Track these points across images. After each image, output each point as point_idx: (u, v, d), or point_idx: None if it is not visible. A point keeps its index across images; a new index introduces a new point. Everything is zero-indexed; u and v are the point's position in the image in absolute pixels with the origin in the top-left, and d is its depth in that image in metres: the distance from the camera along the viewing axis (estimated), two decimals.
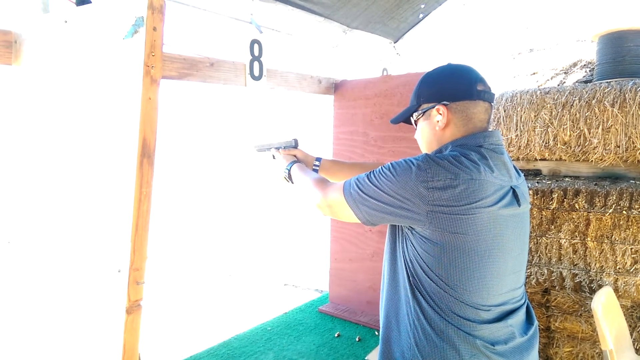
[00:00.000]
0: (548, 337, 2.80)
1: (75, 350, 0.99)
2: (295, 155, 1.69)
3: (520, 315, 1.22)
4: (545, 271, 2.73)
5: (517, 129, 2.98)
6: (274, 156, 1.72)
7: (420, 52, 3.38)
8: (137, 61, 0.92)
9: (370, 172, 1.20)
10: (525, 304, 1.26)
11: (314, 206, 1.34)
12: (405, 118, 1.33)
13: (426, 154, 1.15)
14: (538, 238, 2.76)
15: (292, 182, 1.57)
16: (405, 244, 1.19)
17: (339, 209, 1.25)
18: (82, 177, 1.03)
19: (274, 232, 8.46)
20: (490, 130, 1.23)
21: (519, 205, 1.18)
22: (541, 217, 2.74)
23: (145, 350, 1.09)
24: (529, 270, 2.79)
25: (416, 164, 1.11)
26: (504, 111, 3.04)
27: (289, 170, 1.58)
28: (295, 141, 1.72)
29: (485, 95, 1.22)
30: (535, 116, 2.90)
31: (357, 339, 1.96)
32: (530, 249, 2.80)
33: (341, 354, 1.85)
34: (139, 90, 0.90)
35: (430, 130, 1.25)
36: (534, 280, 2.76)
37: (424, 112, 1.25)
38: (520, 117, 2.97)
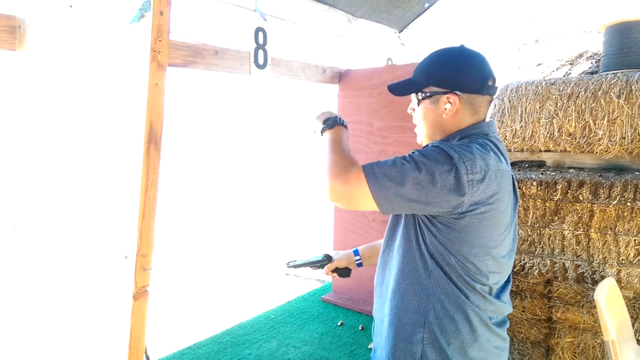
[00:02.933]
0: (550, 327, 2.81)
1: (82, 335, 1.00)
2: (336, 267, 1.64)
3: (507, 292, 1.29)
4: (548, 262, 2.73)
5: (521, 120, 2.96)
6: (313, 269, 1.70)
7: (425, 41, 3.35)
8: (143, 46, 0.91)
9: (400, 158, 1.12)
10: (510, 284, 1.33)
11: (325, 188, 1.17)
12: (407, 92, 1.30)
13: (450, 144, 1.14)
14: (541, 229, 2.76)
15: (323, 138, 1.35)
16: (420, 233, 1.19)
17: (358, 198, 1.12)
18: (88, 163, 1.02)
19: (276, 220, 8.49)
20: (485, 120, 1.26)
21: (515, 191, 1.24)
22: (545, 209, 2.73)
23: (148, 337, 1.09)
24: (531, 262, 2.79)
25: (453, 154, 1.09)
26: (509, 102, 3.02)
27: (326, 129, 1.34)
28: (328, 256, 1.69)
29: (492, 91, 1.25)
30: (540, 107, 2.88)
31: (360, 328, 1.97)
32: (533, 240, 2.80)
33: (344, 342, 1.86)
34: (145, 75, 0.89)
35: (435, 116, 1.24)
36: (536, 271, 2.76)
37: (432, 95, 1.24)
38: (525, 108, 2.95)
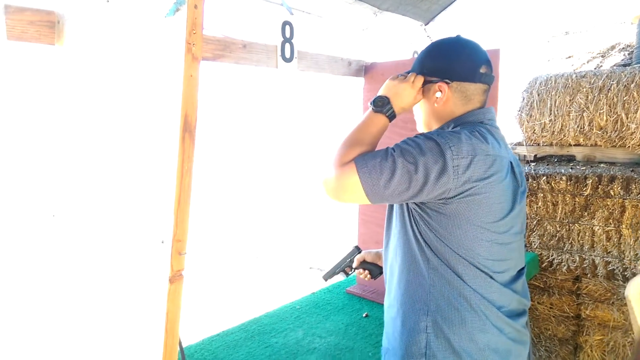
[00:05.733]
0: (578, 325, 2.76)
1: (120, 318, 1.04)
2: (364, 259, 1.65)
3: (520, 284, 1.27)
4: (577, 258, 2.68)
5: (550, 114, 2.91)
6: (346, 274, 1.71)
7: (452, 34, 3.32)
8: (178, 39, 0.94)
9: (390, 149, 1.12)
10: (524, 275, 1.31)
11: (320, 181, 1.17)
12: None
13: (440, 131, 1.16)
14: (570, 225, 2.71)
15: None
16: (414, 221, 1.20)
17: (348, 189, 1.12)
18: (126, 153, 1.06)
19: (300, 215, 8.54)
20: (481, 107, 1.26)
21: (516, 179, 1.23)
22: (574, 204, 2.68)
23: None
24: (560, 257, 2.75)
25: (439, 140, 1.10)
26: (538, 95, 2.97)
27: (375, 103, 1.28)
28: (357, 248, 1.71)
29: (486, 79, 1.25)
30: (570, 100, 2.82)
31: None
32: (561, 235, 2.75)
33: (369, 333, 1.88)
34: (180, 67, 0.92)
35: (428, 105, 1.27)
36: (564, 268, 2.72)
37: (425, 84, 1.26)
38: (555, 102, 2.90)
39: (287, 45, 1.98)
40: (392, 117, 1.29)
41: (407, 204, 1.20)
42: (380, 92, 1.31)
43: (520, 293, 1.26)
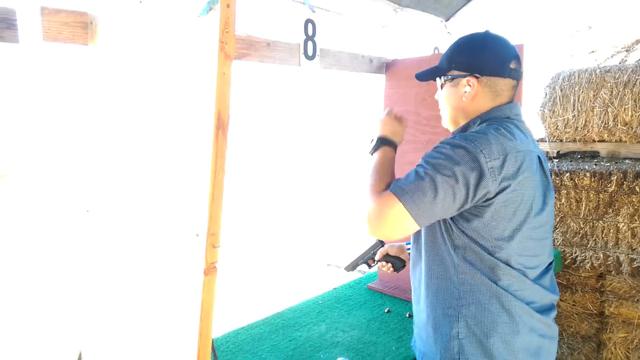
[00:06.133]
0: (602, 322, 2.73)
1: (157, 308, 1.07)
2: (388, 252, 1.67)
3: (548, 278, 1.27)
4: (601, 255, 2.65)
5: (574, 109, 2.88)
6: (368, 265, 1.75)
7: (472, 30, 3.29)
8: (212, 38, 0.96)
9: (420, 169, 1.13)
10: (552, 270, 1.31)
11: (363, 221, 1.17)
12: (432, 78, 1.33)
13: (465, 134, 1.16)
14: (594, 221, 2.68)
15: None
16: (445, 227, 1.21)
17: (393, 220, 1.12)
18: (161, 150, 1.09)
19: (321, 211, 8.57)
20: (508, 102, 1.26)
21: (545, 173, 1.24)
22: (598, 200, 2.65)
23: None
24: (583, 254, 2.72)
25: (468, 146, 1.10)
26: (561, 91, 2.94)
27: (375, 149, 1.36)
28: (380, 240, 1.73)
29: (516, 74, 1.25)
30: (594, 96, 2.79)
31: (407, 315, 1.99)
32: (585, 232, 2.72)
33: (392, 328, 1.89)
34: (214, 66, 0.95)
35: (456, 99, 1.26)
36: (588, 265, 2.69)
37: (453, 78, 1.26)
38: (578, 97, 2.87)
39: (310, 43, 2.00)
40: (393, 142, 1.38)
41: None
42: (377, 134, 1.39)
43: (549, 288, 1.26)
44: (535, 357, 1.21)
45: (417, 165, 1.16)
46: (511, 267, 1.16)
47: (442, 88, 1.31)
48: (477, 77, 1.23)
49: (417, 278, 1.34)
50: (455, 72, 1.26)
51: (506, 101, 1.26)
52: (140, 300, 1.11)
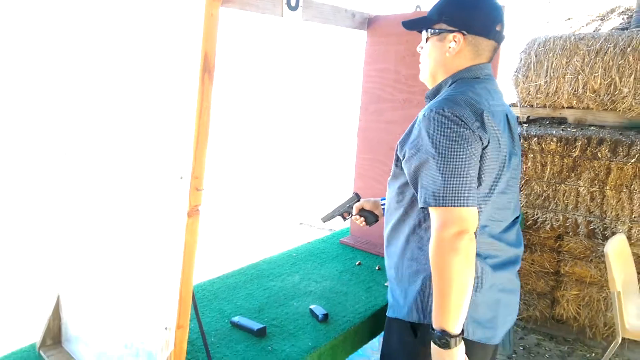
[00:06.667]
0: (557, 280, 2.91)
1: (141, 249, 1.09)
2: (363, 207, 1.68)
3: (514, 233, 1.33)
4: (561, 217, 2.80)
5: (546, 75, 2.95)
6: (343, 218, 1.79)
7: None
8: None
9: (432, 167, 1.14)
10: (517, 224, 1.37)
11: (451, 255, 1.09)
12: (419, 28, 1.33)
13: (438, 104, 1.17)
14: (557, 185, 2.81)
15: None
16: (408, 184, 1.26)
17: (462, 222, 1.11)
18: (145, 90, 1.08)
19: (298, 168, 8.60)
20: (484, 63, 1.28)
21: (510, 127, 1.29)
22: (562, 165, 2.77)
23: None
24: (544, 216, 2.86)
25: (447, 116, 1.14)
26: (535, 56, 3.00)
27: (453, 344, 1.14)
28: (357, 194, 1.75)
29: (498, 37, 1.28)
30: (566, 63, 2.86)
31: (377, 268, 2.07)
32: (547, 195, 2.85)
33: (362, 279, 1.97)
34: (202, 5, 0.93)
35: (440, 54, 1.28)
36: (548, 226, 2.84)
37: (440, 32, 1.27)
38: (551, 64, 2.93)
39: None
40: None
41: (413, 174, 1.21)
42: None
43: (514, 242, 1.32)
44: (492, 310, 1.27)
45: (420, 163, 1.17)
46: (479, 225, 1.20)
47: (426, 41, 1.32)
48: (464, 34, 1.24)
49: (388, 233, 1.39)
50: (444, 26, 1.26)
51: (484, 62, 1.28)
52: (122, 243, 1.12)
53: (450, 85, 1.28)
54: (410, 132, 1.25)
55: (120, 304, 1.15)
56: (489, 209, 1.23)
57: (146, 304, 1.05)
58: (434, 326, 1.14)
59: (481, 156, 1.16)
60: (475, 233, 1.15)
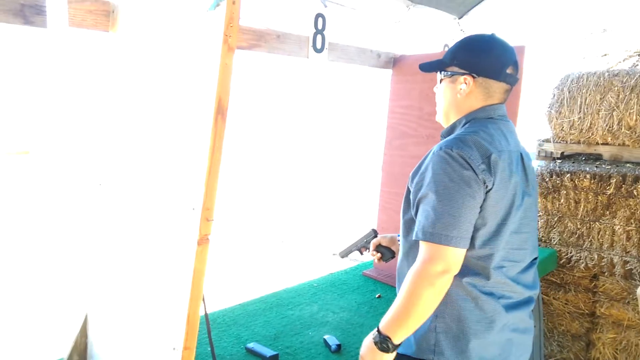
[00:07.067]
0: (592, 322, 2.79)
1: (154, 272, 1.19)
2: (380, 244, 1.70)
3: (530, 274, 1.34)
4: (596, 256, 2.71)
5: (580, 111, 2.91)
6: (360, 252, 1.82)
7: (486, 28, 3.33)
8: (217, 31, 1.06)
9: (428, 206, 1.18)
10: (535, 266, 1.37)
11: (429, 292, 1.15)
12: (434, 70, 1.40)
13: (448, 143, 1.22)
14: (591, 223, 2.73)
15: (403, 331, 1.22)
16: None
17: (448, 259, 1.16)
18: (165, 130, 1.20)
19: (326, 200, 8.69)
20: (498, 104, 1.33)
21: (524, 167, 1.31)
22: (596, 202, 2.70)
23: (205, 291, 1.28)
24: (578, 255, 2.77)
25: (453, 156, 1.18)
26: (568, 92, 2.97)
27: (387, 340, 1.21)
28: (374, 230, 1.79)
29: (510, 79, 1.32)
30: (600, 99, 2.82)
31: (377, 296, 2.09)
32: (581, 233, 2.77)
33: (380, 312, 1.98)
34: (217, 56, 1.05)
35: (451, 95, 1.34)
36: (582, 265, 2.75)
37: (452, 75, 1.33)
38: (585, 100, 2.89)
39: (319, 37, 2.08)
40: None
41: (415, 206, 1.26)
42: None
43: (530, 284, 1.32)
44: (504, 349, 1.26)
45: (421, 198, 1.22)
46: (491, 265, 1.22)
47: (440, 82, 1.39)
48: (473, 77, 1.30)
49: (398, 266, 1.43)
50: (455, 69, 1.33)
51: (496, 102, 1.33)
52: (139, 267, 1.23)
53: (464, 125, 1.33)
54: (421, 165, 1.30)
55: (134, 324, 1.25)
56: (503, 249, 1.24)
57: (157, 326, 1.15)
58: (381, 329, 1.22)
59: (485, 198, 1.19)
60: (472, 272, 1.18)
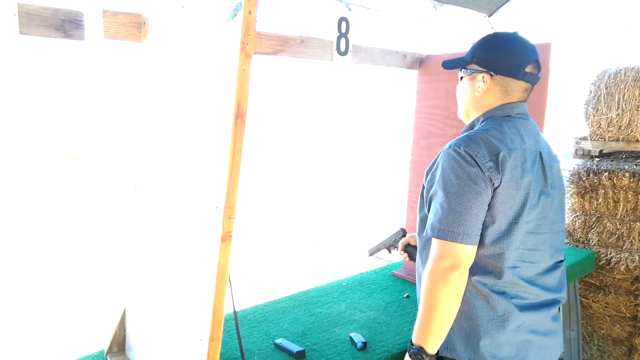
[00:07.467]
0: (634, 326, 2.68)
1: (182, 267, 1.26)
2: (409, 242, 1.72)
3: (553, 277, 1.32)
4: (637, 257, 2.60)
5: (618, 108, 2.82)
6: (389, 251, 1.87)
7: (518, 25, 3.26)
8: (235, 39, 1.12)
9: (437, 204, 1.20)
10: (559, 269, 1.35)
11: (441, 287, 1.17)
12: (454, 68, 1.42)
13: (457, 141, 1.23)
14: (631, 223, 2.63)
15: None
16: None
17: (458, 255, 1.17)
18: (190, 133, 1.27)
19: (358, 201, 8.71)
20: (517, 102, 1.32)
21: (543, 166, 1.29)
22: (637, 201, 2.60)
23: (237, 288, 1.34)
24: (618, 256, 2.68)
25: (460, 154, 1.19)
26: (606, 88, 2.88)
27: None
28: (403, 230, 1.82)
29: (530, 78, 1.31)
30: (639, 95, 2.71)
31: (405, 296, 2.09)
32: (621, 233, 2.68)
33: (408, 311, 2.00)
34: (236, 63, 1.11)
35: (470, 92, 1.35)
36: (623, 267, 2.65)
37: (472, 72, 1.34)
38: (623, 95, 2.80)
39: (343, 40, 2.12)
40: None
41: (428, 203, 1.28)
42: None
43: (552, 287, 1.30)
44: (520, 350, 1.24)
45: (432, 195, 1.24)
46: (504, 265, 1.22)
47: (461, 80, 1.41)
48: (491, 75, 1.31)
49: (417, 263, 1.44)
50: (475, 67, 1.34)
51: (515, 101, 1.33)
52: (168, 263, 1.31)
53: (481, 123, 1.34)
54: (434, 163, 1.32)
55: (165, 317, 1.32)
56: (517, 249, 1.23)
57: (185, 318, 1.21)
58: (413, 341, 1.22)
59: (493, 195, 1.19)
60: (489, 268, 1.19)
